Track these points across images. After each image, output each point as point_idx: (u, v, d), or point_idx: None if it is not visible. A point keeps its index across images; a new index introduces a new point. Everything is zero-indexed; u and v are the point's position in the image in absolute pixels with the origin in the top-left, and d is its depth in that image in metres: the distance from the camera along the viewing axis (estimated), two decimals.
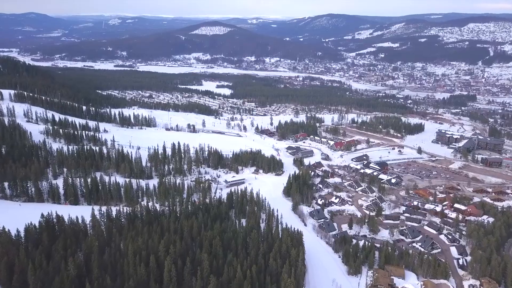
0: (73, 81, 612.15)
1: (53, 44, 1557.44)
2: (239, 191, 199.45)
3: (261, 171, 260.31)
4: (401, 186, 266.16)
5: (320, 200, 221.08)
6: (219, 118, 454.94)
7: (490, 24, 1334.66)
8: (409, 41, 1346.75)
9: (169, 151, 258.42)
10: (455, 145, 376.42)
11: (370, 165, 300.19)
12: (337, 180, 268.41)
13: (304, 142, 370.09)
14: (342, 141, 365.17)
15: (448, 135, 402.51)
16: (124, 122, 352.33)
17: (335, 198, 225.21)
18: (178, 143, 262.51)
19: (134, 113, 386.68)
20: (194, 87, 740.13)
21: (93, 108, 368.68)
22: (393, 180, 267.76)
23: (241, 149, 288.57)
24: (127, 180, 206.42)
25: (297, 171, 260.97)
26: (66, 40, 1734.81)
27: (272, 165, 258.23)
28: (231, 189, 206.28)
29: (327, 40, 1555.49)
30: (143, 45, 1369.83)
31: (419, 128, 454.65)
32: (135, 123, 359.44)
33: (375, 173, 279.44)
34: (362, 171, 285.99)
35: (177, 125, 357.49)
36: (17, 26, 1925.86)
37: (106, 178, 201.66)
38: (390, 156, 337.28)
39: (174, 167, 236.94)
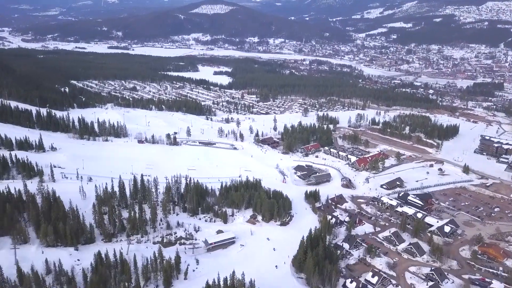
0: (45, 69, 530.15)
1: (47, 23, 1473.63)
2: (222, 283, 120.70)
3: (259, 217, 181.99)
4: (457, 237, 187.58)
5: (351, 282, 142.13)
6: (211, 119, 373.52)
7: (511, 3, 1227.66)
8: (422, 21, 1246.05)
9: (135, 183, 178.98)
10: (507, 159, 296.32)
11: (409, 198, 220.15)
12: (367, 228, 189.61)
13: (317, 157, 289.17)
14: (366, 157, 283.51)
15: (495, 144, 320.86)
16: (85, 131, 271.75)
17: (372, 275, 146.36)
18: (142, 178, 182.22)
19: (102, 118, 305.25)
20: (188, 75, 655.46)
21: (48, 111, 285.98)
22: (447, 228, 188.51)
23: (232, 179, 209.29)
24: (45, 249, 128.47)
25: (311, 217, 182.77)
26: (62, 18, 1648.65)
27: (276, 209, 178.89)
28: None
29: (334, 19, 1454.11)
30: (140, 25, 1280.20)
31: (453, 131, 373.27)
32: (101, 132, 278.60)
33: (418, 214, 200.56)
34: (400, 209, 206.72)
35: (153, 136, 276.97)
36: (13, 4, 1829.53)
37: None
38: (430, 178, 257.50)
39: (130, 218, 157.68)
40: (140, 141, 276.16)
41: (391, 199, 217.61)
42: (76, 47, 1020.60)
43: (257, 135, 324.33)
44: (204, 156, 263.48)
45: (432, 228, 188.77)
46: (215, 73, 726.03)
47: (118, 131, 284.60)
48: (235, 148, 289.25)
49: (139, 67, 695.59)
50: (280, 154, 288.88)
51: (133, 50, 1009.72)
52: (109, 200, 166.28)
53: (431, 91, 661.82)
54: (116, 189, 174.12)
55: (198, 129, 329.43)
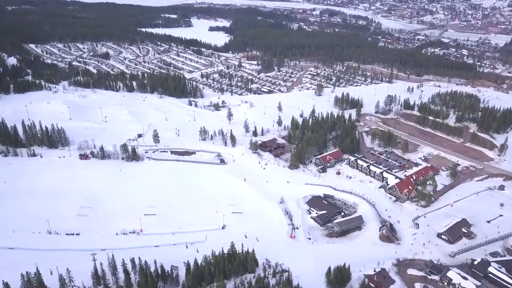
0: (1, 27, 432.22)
1: None
2: None
3: None
4: None
5: None
6: (195, 104, 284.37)
7: None
8: None
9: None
10: None
11: (491, 271, 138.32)
12: None
13: (338, 173, 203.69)
14: (410, 175, 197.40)
15: None
16: (5, 140, 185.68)
17: None
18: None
19: (41, 110, 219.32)
20: (178, 32, 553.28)
21: None
22: None
23: (213, 251, 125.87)
24: None
25: None
26: None
27: None
28: None
29: None
30: None
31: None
32: (28, 140, 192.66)
33: None
34: None
35: (102, 148, 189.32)
36: None
37: None
38: (507, 213, 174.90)
39: None
40: (83, 156, 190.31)
41: (464, 277, 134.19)
42: None
43: (255, 133, 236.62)
44: (174, 182, 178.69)
45: None
46: (211, 28, 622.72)
47: (54, 139, 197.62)
48: (222, 161, 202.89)
49: (120, 22, 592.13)
50: (286, 170, 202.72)
51: None
52: None
53: (465, 52, 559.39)
54: None
55: (174, 124, 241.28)
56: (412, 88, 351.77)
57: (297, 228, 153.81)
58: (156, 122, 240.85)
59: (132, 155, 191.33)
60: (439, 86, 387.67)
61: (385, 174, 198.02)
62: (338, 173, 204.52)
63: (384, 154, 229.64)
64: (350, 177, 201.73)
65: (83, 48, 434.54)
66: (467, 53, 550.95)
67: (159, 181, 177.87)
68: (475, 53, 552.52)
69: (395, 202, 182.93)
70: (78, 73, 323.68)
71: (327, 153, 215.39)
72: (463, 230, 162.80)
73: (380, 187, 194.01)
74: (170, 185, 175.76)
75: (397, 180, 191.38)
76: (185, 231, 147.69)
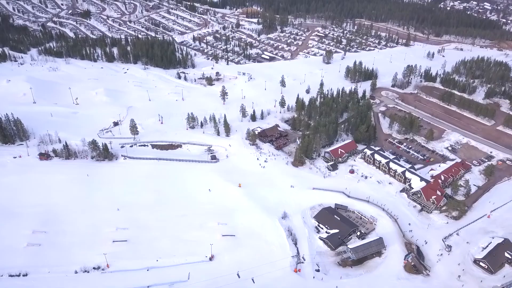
0: None
1: None
2: None
3: None
4: None
5: None
6: (184, 78, 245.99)
7: None
8: None
9: None
10: None
11: None
12: None
13: (352, 172, 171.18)
14: (437, 176, 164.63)
15: None
16: None
17: None
18: None
19: None
20: None
21: None
22: None
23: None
24: None
25: None
26: None
27: None
28: None
29: None
30: None
31: None
32: None
33: None
34: None
35: (66, 146, 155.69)
36: None
37: None
38: None
39: None
40: (43, 156, 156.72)
41: None
42: None
43: (253, 117, 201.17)
44: (153, 192, 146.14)
45: None
46: None
47: (9, 133, 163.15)
48: (213, 158, 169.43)
49: None
50: (289, 169, 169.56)
51: None
52: None
53: (487, 6, 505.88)
54: None
55: (159, 105, 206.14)
56: (433, 54, 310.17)
57: (303, 261, 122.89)
58: (137, 103, 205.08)
59: (104, 154, 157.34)
60: (461, 49, 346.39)
61: (408, 174, 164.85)
62: (352, 171, 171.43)
63: (405, 144, 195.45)
64: (366, 177, 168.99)
65: (62, 4, 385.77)
66: (490, 7, 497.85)
67: (135, 190, 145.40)
68: (499, 7, 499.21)
69: (421, 213, 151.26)
70: (51, 38, 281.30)
71: (338, 145, 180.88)
72: (507, 254, 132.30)
73: (401, 191, 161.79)
74: (147, 196, 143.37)
75: (423, 183, 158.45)
76: (163, 265, 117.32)
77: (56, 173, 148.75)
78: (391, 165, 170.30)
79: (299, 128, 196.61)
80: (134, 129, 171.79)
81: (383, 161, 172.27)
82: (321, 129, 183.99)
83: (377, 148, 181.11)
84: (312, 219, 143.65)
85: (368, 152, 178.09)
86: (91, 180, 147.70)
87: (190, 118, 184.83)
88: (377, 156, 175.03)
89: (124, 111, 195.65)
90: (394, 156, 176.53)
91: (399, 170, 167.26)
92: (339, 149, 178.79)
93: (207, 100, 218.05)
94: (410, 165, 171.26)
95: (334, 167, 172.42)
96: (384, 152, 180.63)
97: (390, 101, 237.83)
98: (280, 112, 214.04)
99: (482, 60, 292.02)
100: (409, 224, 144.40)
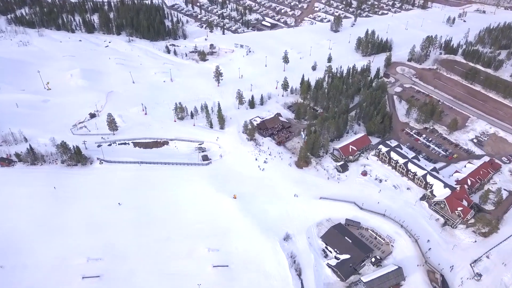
0: None
1: None
2: None
3: None
4: None
5: None
6: (174, 52, 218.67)
7: None
8: None
9: None
10: None
11: None
12: None
13: (364, 175, 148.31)
14: (463, 179, 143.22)
15: None
16: None
17: None
18: None
19: None
20: None
21: None
22: None
23: None
24: None
25: None
26: None
27: None
28: None
29: None
30: None
31: None
32: None
33: None
34: None
35: (30, 150, 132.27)
36: None
37: None
38: None
39: None
40: (4, 161, 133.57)
41: None
42: None
43: (251, 104, 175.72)
44: (132, 208, 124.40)
45: None
46: None
47: None
48: (205, 158, 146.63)
49: None
50: (292, 171, 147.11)
51: None
52: None
53: None
54: None
55: (144, 89, 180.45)
56: (453, 19, 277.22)
57: None
58: (118, 87, 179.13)
59: (76, 157, 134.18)
60: (484, 12, 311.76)
61: (429, 179, 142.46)
62: (364, 173, 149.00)
63: (424, 135, 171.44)
64: (380, 180, 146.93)
65: None
66: None
67: (112, 205, 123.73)
68: None
69: (444, 228, 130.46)
70: (24, 2, 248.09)
71: (349, 141, 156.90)
72: None
73: (422, 199, 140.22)
74: (126, 213, 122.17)
75: (447, 191, 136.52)
76: None
77: (17, 185, 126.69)
78: (410, 166, 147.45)
79: (304, 117, 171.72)
80: (112, 124, 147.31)
81: (401, 161, 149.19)
82: (330, 121, 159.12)
83: (393, 144, 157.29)
84: (319, 240, 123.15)
85: (384, 149, 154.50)
86: (60, 193, 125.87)
87: (179, 109, 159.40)
88: (393, 155, 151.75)
89: (103, 97, 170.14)
90: (413, 155, 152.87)
91: (419, 173, 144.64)
92: (350, 146, 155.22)
93: (199, 81, 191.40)
94: (432, 167, 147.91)
95: (344, 168, 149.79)
96: (401, 149, 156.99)
97: (406, 79, 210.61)
98: (283, 96, 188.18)
99: (509, 27, 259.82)
100: (428, 241, 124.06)
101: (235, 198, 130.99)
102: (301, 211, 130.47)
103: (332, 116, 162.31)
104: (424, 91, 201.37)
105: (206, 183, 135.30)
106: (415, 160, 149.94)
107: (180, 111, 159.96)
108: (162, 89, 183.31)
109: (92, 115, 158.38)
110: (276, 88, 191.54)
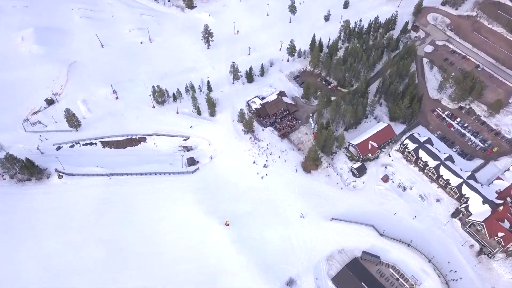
0: None
1: None
2: None
3: None
4: None
5: None
6: None
7: None
8: None
9: None
10: None
11: None
12: None
13: (385, 181, 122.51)
14: (506, 194, 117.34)
15: None
16: None
17: None
18: None
19: None
20: None
21: None
22: None
23: None
24: None
25: None
26: None
27: None
28: None
29: None
30: None
31: None
32: None
33: None
34: None
35: None
36: None
37: None
38: None
39: None
40: None
41: None
42: None
43: (249, 77, 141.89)
44: (102, 241, 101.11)
45: None
46: None
47: None
48: (191, 163, 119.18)
49: None
50: (298, 178, 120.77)
51: None
52: None
53: None
54: None
55: (115, 55, 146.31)
56: None
57: None
58: (83, 55, 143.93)
59: (28, 171, 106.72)
60: None
61: (465, 189, 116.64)
62: (386, 178, 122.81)
63: (459, 119, 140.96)
64: (405, 188, 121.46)
65: None
66: None
67: (75, 241, 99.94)
68: None
69: (479, 258, 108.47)
70: None
71: (368, 136, 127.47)
72: None
73: (453, 215, 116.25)
74: (93, 252, 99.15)
75: (486, 209, 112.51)
76: None
77: None
78: (442, 171, 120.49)
79: (314, 95, 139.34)
80: (72, 121, 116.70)
81: (431, 163, 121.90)
82: (345, 108, 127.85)
83: (423, 138, 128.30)
84: (329, 281, 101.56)
85: (411, 145, 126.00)
86: (9, 223, 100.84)
87: (157, 93, 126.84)
88: (422, 154, 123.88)
89: (63, 72, 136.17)
90: (446, 156, 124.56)
91: (454, 181, 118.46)
92: (370, 142, 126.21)
93: (185, 40, 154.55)
94: (469, 174, 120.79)
95: (361, 172, 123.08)
96: (432, 144, 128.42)
97: (439, 33, 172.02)
98: (288, 61, 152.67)
99: None
100: (460, 279, 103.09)
101: (228, 225, 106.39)
102: (308, 239, 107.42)
103: (349, 100, 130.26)
104: (460, 51, 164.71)
105: (192, 202, 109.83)
106: (449, 163, 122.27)
107: (160, 95, 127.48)
108: (138, 54, 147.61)
109: (50, 102, 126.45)
110: (280, 50, 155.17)
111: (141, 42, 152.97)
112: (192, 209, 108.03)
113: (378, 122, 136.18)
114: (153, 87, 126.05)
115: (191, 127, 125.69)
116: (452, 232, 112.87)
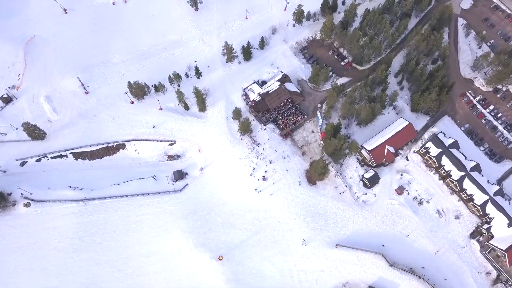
0: None
1: None
2: None
3: None
4: None
5: None
6: None
7: None
8: None
9: None
10: None
11: None
12: None
13: (400, 193, 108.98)
14: None
15: None
16: None
17: None
18: None
19: None
20: None
21: None
22: None
23: None
24: None
25: None
26: None
27: None
28: None
29: None
30: None
31: None
32: None
33: None
34: None
35: None
36: None
37: None
38: None
39: None
40: None
41: None
42: None
43: (246, 53, 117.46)
44: None
45: None
46: None
47: None
48: (179, 177, 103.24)
49: None
50: (302, 194, 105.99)
51: None
52: None
53: None
54: None
55: (81, 28, 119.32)
56: None
57: None
58: (42, 26, 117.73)
59: None
60: None
61: (489, 208, 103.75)
62: (401, 191, 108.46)
63: (492, 106, 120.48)
64: (421, 202, 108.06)
65: None
66: None
67: (46, 285, 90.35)
68: None
69: (495, 287, 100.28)
70: None
71: (385, 139, 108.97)
72: None
73: (472, 235, 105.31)
74: None
75: (510, 236, 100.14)
76: None
77: None
78: (467, 184, 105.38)
79: (323, 80, 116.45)
80: (33, 132, 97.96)
81: (455, 174, 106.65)
82: (360, 107, 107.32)
83: (449, 141, 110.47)
84: None
85: (433, 150, 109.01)
86: None
87: (134, 90, 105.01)
88: (445, 161, 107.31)
89: (20, 54, 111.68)
90: (473, 164, 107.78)
91: (478, 198, 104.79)
92: (386, 147, 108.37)
93: (168, 0, 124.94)
94: (497, 188, 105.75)
95: (372, 183, 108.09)
96: (458, 148, 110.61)
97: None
98: (294, 26, 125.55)
99: None
100: None
101: (221, 259, 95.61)
102: (310, 271, 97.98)
103: (366, 93, 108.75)
104: (506, 6, 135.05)
105: (181, 232, 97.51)
106: (475, 174, 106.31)
107: (139, 91, 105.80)
108: (110, 24, 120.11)
109: (7, 100, 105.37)
110: (285, 10, 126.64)
111: (113, 3, 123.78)
112: (180, 241, 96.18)
113: (397, 114, 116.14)
114: (129, 83, 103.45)
115: (154, 126, 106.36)
116: (468, 257, 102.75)
